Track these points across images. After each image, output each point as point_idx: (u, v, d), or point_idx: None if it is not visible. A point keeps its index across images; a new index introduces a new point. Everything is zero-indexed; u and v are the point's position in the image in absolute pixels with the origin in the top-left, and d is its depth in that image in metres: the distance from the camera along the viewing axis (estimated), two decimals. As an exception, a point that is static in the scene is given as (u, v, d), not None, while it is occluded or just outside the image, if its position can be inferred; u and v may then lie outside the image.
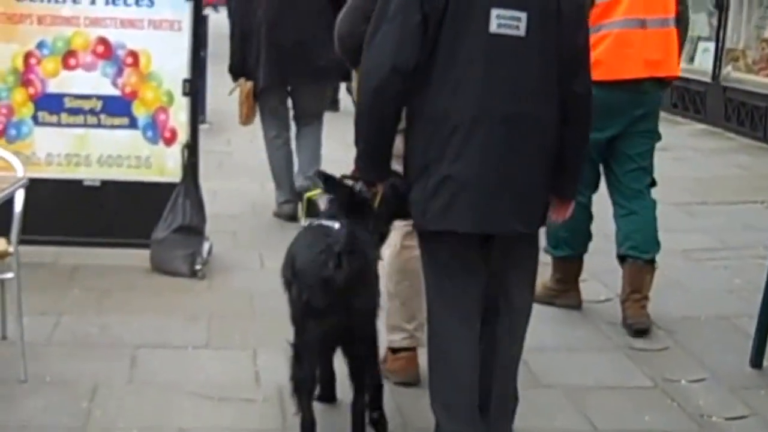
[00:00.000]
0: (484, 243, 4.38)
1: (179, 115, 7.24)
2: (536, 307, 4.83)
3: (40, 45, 7.17)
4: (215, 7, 26.68)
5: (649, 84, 6.30)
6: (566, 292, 6.79)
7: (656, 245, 6.46)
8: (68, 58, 7.19)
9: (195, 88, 7.25)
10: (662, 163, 10.56)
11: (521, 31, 4.13)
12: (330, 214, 4.71)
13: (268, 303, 5.97)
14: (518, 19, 4.12)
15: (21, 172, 5.53)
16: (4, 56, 7.18)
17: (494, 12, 4.10)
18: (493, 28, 4.11)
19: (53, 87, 7.20)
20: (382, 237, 4.88)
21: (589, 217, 6.58)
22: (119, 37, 7.18)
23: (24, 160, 7.04)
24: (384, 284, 5.15)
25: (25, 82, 7.19)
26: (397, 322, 5.46)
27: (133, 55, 7.19)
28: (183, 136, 7.24)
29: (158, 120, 7.23)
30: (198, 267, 7.08)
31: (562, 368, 5.89)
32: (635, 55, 6.19)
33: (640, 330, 6.34)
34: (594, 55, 5.23)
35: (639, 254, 6.39)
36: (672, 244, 8.09)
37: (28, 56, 7.17)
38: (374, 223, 4.63)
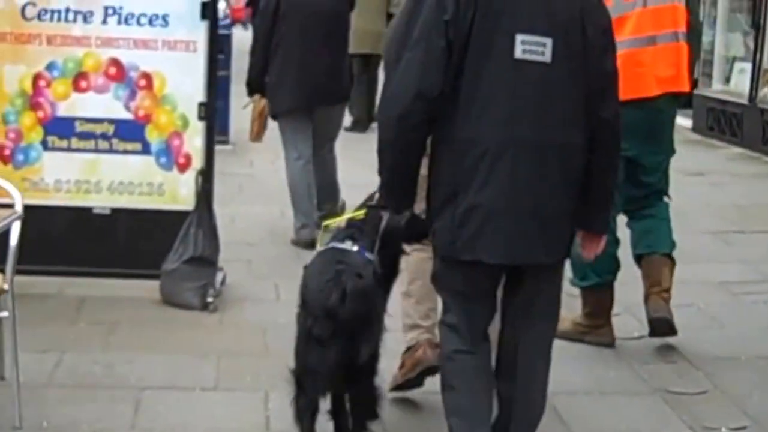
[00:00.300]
0: (505, 271, 4.32)
1: (194, 140, 6.92)
2: (566, 345, 4.54)
3: (50, 66, 6.87)
4: (245, 24, 26.48)
5: (663, 101, 6.20)
6: (598, 328, 6.41)
7: (672, 244, 6.34)
8: (79, 80, 6.88)
9: (211, 111, 6.92)
10: (698, 188, 10.26)
11: (547, 57, 4.09)
12: (347, 235, 4.73)
13: (283, 339, 5.56)
14: (543, 44, 4.08)
15: (19, 205, 5.19)
16: (12, 78, 6.88)
17: (519, 38, 4.07)
18: (518, 53, 4.08)
19: (63, 110, 6.89)
20: (395, 264, 4.89)
21: (615, 241, 6.26)
22: (132, 59, 6.87)
23: (32, 186, 6.84)
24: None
25: (34, 106, 6.89)
26: (413, 321, 5.37)
27: (147, 77, 6.88)
28: (198, 162, 6.92)
29: (172, 145, 6.91)
30: (209, 300, 6.74)
31: (593, 413, 5.57)
32: (647, 73, 6.09)
33: (661, 320, 6.18)
34: None
35: (655, 249, 6.26)
36: (708, 275, 7.78)
37: (37, 78, 6.87)
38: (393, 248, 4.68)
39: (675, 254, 6.43)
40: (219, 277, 7.03)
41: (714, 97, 14.67)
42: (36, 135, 6.90)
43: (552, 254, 4.27)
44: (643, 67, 6.07)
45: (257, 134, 8.78)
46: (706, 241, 8.67)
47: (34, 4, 6.85)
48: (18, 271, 6.78)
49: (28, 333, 5.26)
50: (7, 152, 6.91)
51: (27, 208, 6.70)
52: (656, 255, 6.28)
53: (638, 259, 6.39)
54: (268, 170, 10.96)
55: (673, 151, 6.52)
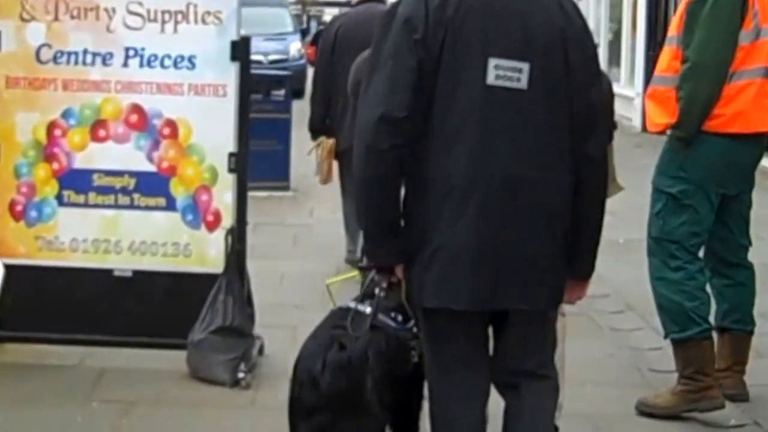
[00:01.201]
0: (492, 317, 3.94)
1: (224, 196, 6.14)
2: None
3: (66, 114, 6.14)
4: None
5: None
6: (706, 390, 5.54)
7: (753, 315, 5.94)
8: (97, 128, 6.15)
9: (242, 163, 6.14)
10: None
11: (523, 84, 3.71)
12: (365, 294, 4.26)
13: None
14: (519, 70, 3.70)
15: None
16: (25, 127, 6.17)
17: (492, 62, 3.69)
18: (491, 79, 3.70)
19: (80, 162, 6.16)
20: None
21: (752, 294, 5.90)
22: (155, 105, 6.12)
23: (46, 245, 6.15)
24: None
25: (49, 157, 6.17)
26: None
27: (171, 125, 6.12)
28: (228, 219, 6.13)
29: (199, 201, 6.14)
30: (241, 375, 5.92)
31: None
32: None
33: (741, 400, 5.78)
34: (735, 106, 5.42)
35: (744, 326, 5.86)
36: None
37: (51, 127, 6.15)
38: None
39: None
40: (255, 346, 6.24)
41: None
42: (50, 189, 6.18)
43: (532, 300, 3.83)
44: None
45: (327, 174, 8.47)
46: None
47: (49, 46, 6.14)
48: (36, 340, 6.24)
49: (34, 414, 4.84)
50: (19, 208, 6.19)
51: (41, 270, 6.18)
52: (744, 334, 5.83)
53: (722, 330, 5.86)
54: (328, 221, 10.19)
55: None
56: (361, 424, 4.09)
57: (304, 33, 25.68)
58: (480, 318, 3.92)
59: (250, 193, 11.01)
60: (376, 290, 4.20)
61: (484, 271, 3.74)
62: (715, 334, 5.73)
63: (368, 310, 4.16)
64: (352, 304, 4.24)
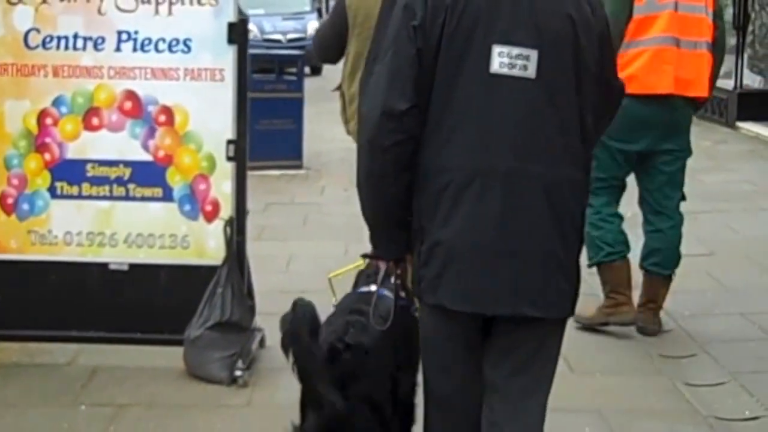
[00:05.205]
0: (489, 323, 3.46)
1: (223, 185, 5.58)
2: None
3: (57, 102, 5.60)
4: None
5: (679, 101, 6.13)
6: (619, 306, 6.26)
7: (677, 262, 6.38)
8: (90, 116, 5.60)
9: (241, 151, 5.57)
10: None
11: (530, 72, 3.31)
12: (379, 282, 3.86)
13: None
14: (527, 57, 3.31)
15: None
16: (15, 116, 5.62)
17: (496, 49, 3.31)
18: (495, 67, 3.31)
19: (73, 152, 5.62)
20: None
21: (620, 217, 6.35)
22: (150, 91, 5.57)
23: (39, 239, 5.62)
24: None
25: (40, 147, 5.62)
26: None
27: (167, 111, 5.57)
28: (227, 209, 5.57)
29: (197, 190, 5.59)
30: (238, 373, 5.39)
31: None
32: (669, 71, 6.05)
33: (648, 330, 6.28)
34: (629, 70, 5.84)
35: (660, 270, 6.33)
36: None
37: (42, 116, 5.60)
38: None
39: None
40: (255, 340, 5.70)
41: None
42: (42, 181, 5.63)
43: (537, 306, 3.36)
44: (669, 65, 6.03)
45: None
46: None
47: (38, 30, 5.58)
48: (28, 338, 5.71)
49: (18, 417, 4.41)
50: (10, 201, 5.65)
51: (34, 265, 5.64)
52: (659, 277, 6.31)
53: (643, 269, 6.38)
54: (339, 199, 9.68)
55: (689, 152, 6.38)
56: (370, 401, 3.78)
57: (320, 12, 25.06)
58: (479, 319, 3.47)
59: (263, 173, 10.61)
60: (391, 278, 3.80)
61: (479, 272, 3.34)
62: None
63: (387, 293, 3.79)
64: (373, 288, 3.88)
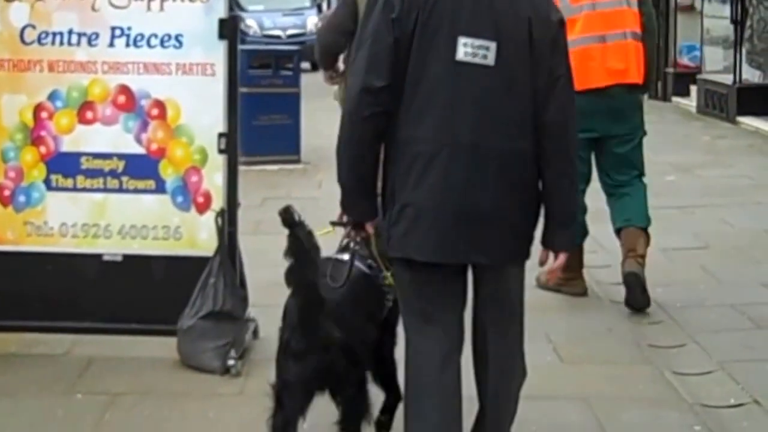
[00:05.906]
0: (464, 271, 4.05)
1: (214, 177, 5.67)
2: None
3: (52, 96, 5.69)
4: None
5: (616, 90, 6.53)
6: (571, 280, 6.75)
7: (647, 219, 6.64)
8: (84, 110, 5.69)
9: (232, 144, 5.66)
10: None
11: (490, 60, 3.87)
12: (342, 247, 4.46)
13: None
14: (487, 48, 3.86)
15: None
16: (11, 110, 5.71)
17: (461, 40, 3.86)
18: (460, 55, 3.87)
19: (68, 145, 5.71)
20: None
21: (583, 210, 6.63)
22: (143, 85, 5.66)
23: (35, 230, 5.71)
24: None
25: (36, 141, 5.71)
26: None
27: (159, 105, 5.66)
28: (219, 201, 5.67)
29: (189, 182, 5.68)
30: (231, 362, 5.48)
31: None
32: (598, 66, 6.47)
33: (631, 275, 6.44)
34: None
35: (632, 223, 6.58)
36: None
37: (38, 109, 5.69)
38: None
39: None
40: (248, 330, 5.79)
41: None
42: (38, 173, 5.73)
43: (490, 256, 3.96)
44: (594, 61, 6.45)
45: None
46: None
47: (33, 26, 5.68)
48: (24, 328, 5.80)
49: (14, 406, 4.54)
50: (6, 193, 5.74)
51: (30, 256, 5.73)
52: (632, 227, 6.55)
53: (618, 232, 6.66)
54: (336, 193, 9.68)
55: (643, 132, 6.80)
56: (351, 352, 4.20)
57: (320, 8, 25.15)
58: (449, 271, 3.97)
59: (261, 167, 10.70)
60: (351, 243, 4.40)
61: (442, 228, 3.88)
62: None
63: (346, 257, 4.32)
64: (334, 255, 4.40)
